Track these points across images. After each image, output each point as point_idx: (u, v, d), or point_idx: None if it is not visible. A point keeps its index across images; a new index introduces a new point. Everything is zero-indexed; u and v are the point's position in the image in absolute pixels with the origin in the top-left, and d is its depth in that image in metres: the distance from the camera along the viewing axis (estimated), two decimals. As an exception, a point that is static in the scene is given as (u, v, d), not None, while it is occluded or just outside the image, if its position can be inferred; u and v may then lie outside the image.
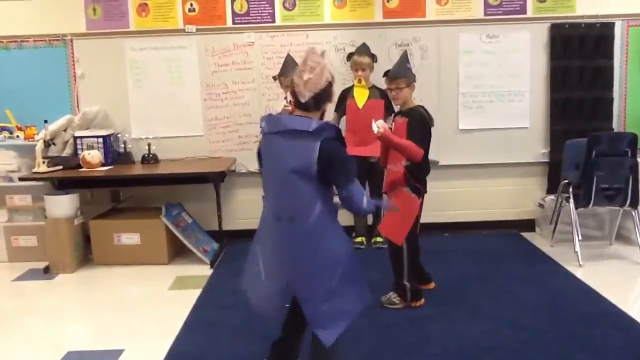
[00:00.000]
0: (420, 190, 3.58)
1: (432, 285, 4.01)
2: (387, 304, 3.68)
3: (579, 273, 4.22)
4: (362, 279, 2.57)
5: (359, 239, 5.02)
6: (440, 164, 5.26)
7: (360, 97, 4.75)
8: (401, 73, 3.57)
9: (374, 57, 4.84)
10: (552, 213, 4.90)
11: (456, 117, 5.24)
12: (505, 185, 5.38)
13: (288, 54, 4.71)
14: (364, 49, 4.81)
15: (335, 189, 2.42)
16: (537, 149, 5.29)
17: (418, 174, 3.56)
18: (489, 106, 5.24)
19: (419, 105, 3.66)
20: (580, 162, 4.47)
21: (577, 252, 4.40)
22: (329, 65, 2.47)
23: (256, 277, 2.54)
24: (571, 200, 4.52)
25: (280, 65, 4.73)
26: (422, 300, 3.69)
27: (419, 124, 3.51)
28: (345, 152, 2.41)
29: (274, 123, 2.43)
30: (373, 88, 4.84)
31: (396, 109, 3.97)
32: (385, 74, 3.68)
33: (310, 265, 2.40)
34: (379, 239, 5.03)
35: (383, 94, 4.81)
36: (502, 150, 5.27)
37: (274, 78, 4.75)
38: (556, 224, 4.82)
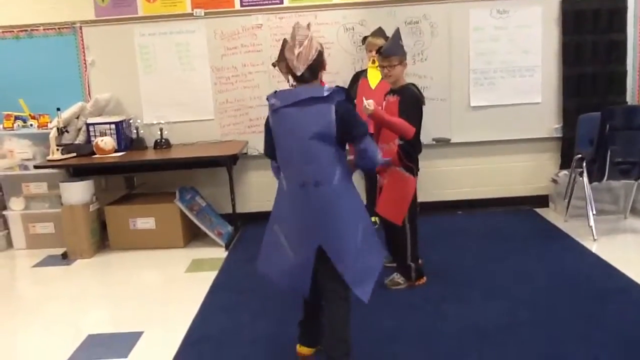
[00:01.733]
0: (413, 169, 3.56)
1: (420, 262, 4.00)
2: (392, 285, 3.68)
3: (594, 248, 4.21)
4: (377, 237, 2.72)
5: (372, 219, 5.02)
6: (452, 141, 5.25)
7: (374, 78, 4.72)
8: (394, 50, 3.51)
9: (387, 39, 4.79)
10: (565, 188, 4.88)
11: (467, 94, 5.20)
12: (518, 162, 5.35)
13: (284, 39, 4.68)
14: (379, 32, 4.78)
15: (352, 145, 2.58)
16: (549, 125, 5.25)
17: (412, 152, 3.54)
18: (500, 82, 5.19)
19: (410, 83, 3.62)
20: (594, 136, 4.43)
21: (591, 226, 4.38)
22: (315, 37, 2.60)
23: (279, 255, 2.62)
24: (585, 174, 4.49)
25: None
26: (424, 279, 3.71)
27: (411, 102, 3.48)
28: (356, 111, 2.57)
29: (286, 96, 2.52)
30: None
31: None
32: (378, 50, 3.64)
33: (339, 225, 2.52)
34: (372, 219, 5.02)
35: None
36: (514, 127, 5.23)
37: (274, 65, 4.72)
38: (570, 199, 4.80)
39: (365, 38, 4.85)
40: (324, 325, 2.62)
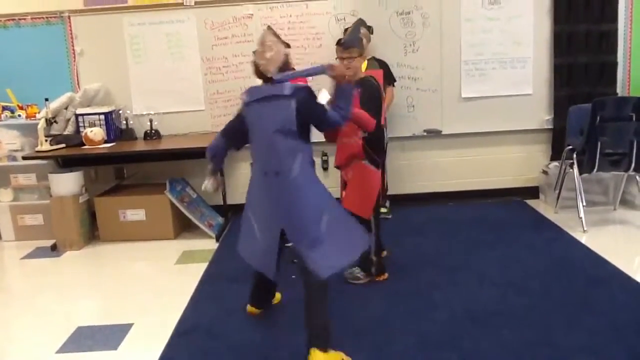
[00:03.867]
0: (378, 162, 3.54)
1: (384, 253, 3.99)
2: (351, 279, 3.65)
3: (584, 239, 4.23)
4: (357, 227, 2.95)
5: None
6: (443, 132, 5.25)
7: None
8: (355, 43, 3.49)
9: (370, 29, 4.77)
10: (556, 180, 4.90)
11: (459, 86, 5.19)
12: (509, 153, 5.36)
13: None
14: (359, 24, 4.72)
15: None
16: (540, 116, 5.26)
17: (376, 145, 3.52)
18: (491, 73, 5.19)
19: (369, 75, 3.60)
20: (584, 127, 4.44)
21: (581, 217, 4.40)
22: (279, 40, 2.89)
23: (251, 238, 2.90)
24: (575, 166, 4.51)
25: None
26: (386, 275, 3.68)
27: (371, 94, 3.44)
28: (315, 100, 2.83)
29: (255, 92, 2.82)
30: (372, 59, 4.79)
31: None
32: (338, 42, 3.60)
33: (297, 214, 2.75)
34: (382, 210, 5.03)
35: (382, 64, 4.78)
36: (505, 118, 5.23)
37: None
38: (560, 190, 4.82)
39: (346, 29, 4.81)
40: (304, 300, 2.78)
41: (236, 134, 2.97)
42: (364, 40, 4.59)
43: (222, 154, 3.08)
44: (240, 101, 2.92)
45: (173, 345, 2.98)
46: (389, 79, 4.84)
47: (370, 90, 3.46)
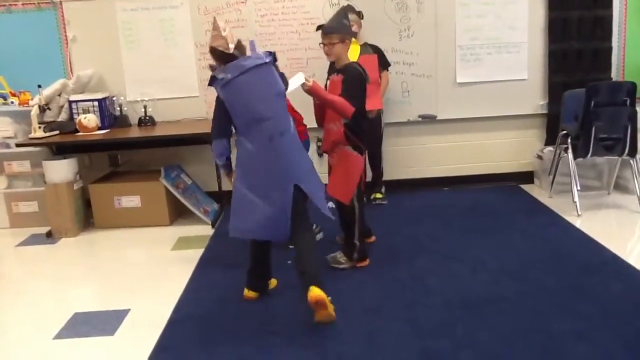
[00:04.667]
0: (362, 148, 3.53)
1: (373, 239, 4.02)
2: (333, 263, 3.64)
3: (578, 223, 4.26)
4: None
5: None
6: (438, 118, 5.25)
7: (353, 56, 4.67)
8: (335, 28, 3.44)
9: (359, 14, 4.74)
10: (550, 164, 4.91)
11: (454, 71, 5.18)
12: (503, 138, 5.37)
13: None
14: (349, 8, 4.67)
15: None
16: (535, 101, 5.26)
17: (358, 131, 3.49)
18: (486, 59, 5.18)
19: (354, 62, 3.58)
20: (578, 112, 4.45)
21: (575, 202, 4.43)
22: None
23: (252, 210, 3.00)
24: (569, 150, 4.52)
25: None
26: (367, 261, 3.68)
27: (354, 81, 3.40)
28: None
29: (235, 68, 2.94)
30: (365, 45, 4.77)
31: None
32: (319, 27, 3.57)
33: (306, 163, 3.13)
34: (378, 195, 5.05)
35: (376, 50, 4.76)
36: (500, 103, 5.23)
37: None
38: (555, 175, 4.84)
39: None
40: (298, 251, 3.04)
41: (228, 125, 3.05)
42: (355, 26, 4.59)
43: (229, 153, 3.14)
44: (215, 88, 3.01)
45: (170, 331, 2.99)
46: (384, 63, 4.83)
47: (352, 76, 3.41)
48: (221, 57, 2.98)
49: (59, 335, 3.03)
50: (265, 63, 2.98)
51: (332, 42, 3.42)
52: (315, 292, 2.77)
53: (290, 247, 3.25)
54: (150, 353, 2.77)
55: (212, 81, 3.00)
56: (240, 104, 2.95)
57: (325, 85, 3.72)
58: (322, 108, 3.56)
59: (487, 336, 2.74)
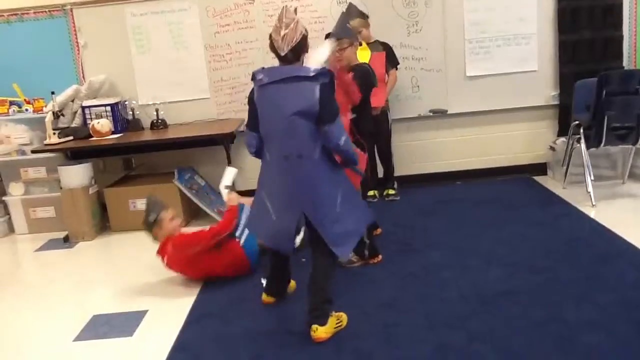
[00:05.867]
0: (364, 145, 3.54)
1: (379, 231, 4.02)
2: (347, 264, 3.62)
3: (593, 213, 4.23)
4: (361, 202, 3.11)
5: (371, 193, 5.03)
6: (449, 112, 5.24)
7: (364, 57, 4.67)
8: (343, 33, 3.51)
9: (363, 15, 4.74)
10: (563, 155, 4.89)
11: (463, 64, 5.17)
12: (516, 130, 5.35)
13: None
14: (353, 13, 4.67)
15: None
16: (546, 92, 5.23)
17: (365, 126, 3.53)
18: (496, 51, 5.16)
19: (364, 63, 3.64)
20: (590, 102, 4.42)
21: (589, 192, 4.40)
22: (301, 20, 2.80)
23: (265, 218, 2.90)
24: (582, 141, 4.50)
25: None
26: (380, 257, 3.69)
27: (363, 75, 3.50)
28: (333, 95, 2.75)
29: (274, 73, 2.76)
30: (375, 43, 4.77)
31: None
32: (327, 35, 3.61)
33: (320, 194, 2.79)
34: (390, 191, 5.05)
35: (385, 46, 4.76)
36: (511, 95, 5.21)
37: None
38: (568, 165, 4.81)
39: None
40: (312, 274, 2.89)
41: (257, 122, 2.89)
42: (364, 30, 4.61)
43: (261, 147, 2.92)
44: (252, 84, 2.86)
45: (187, 331, 3.03)
46: (392, 61, 4.82)
47: (361, 72, 3.51)
48: (273, 51, 2.77)
49: (79, 337, 3.08)
50: (308, 77, 2.67)
51: (343, 47, 3.49)
52: (318, 335, 2.75)
53: (303, 259, 3.25)
54: (169, 353, 2.81)
55: (253, 77, 2.85)
56: (268, 111, 2.77)
57: None
58: None
59: (503, 328, 2.75)
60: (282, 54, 2.71)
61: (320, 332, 2.75)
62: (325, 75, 2.69)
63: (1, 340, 3.15)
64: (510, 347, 2.59)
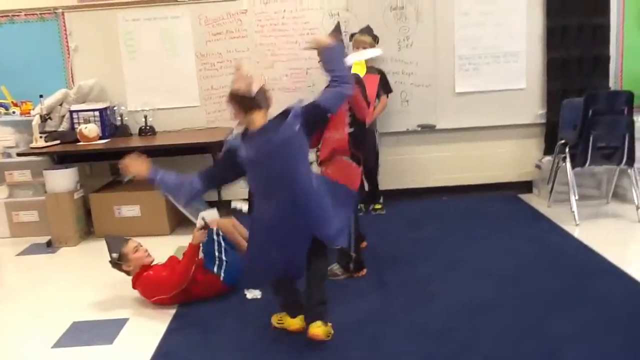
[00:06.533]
0: (359, 159, 3.56)
1: (365, 244, 4.00)
2: (331, 276, 3.57)
3: (576, 232, 4.26)
4: (341, 189, 3.08)
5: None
6: (437, 127, 5.27)
7: (360, 72, 4.69)
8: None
9: (375, 38, 4.79)
10: (549, 174, 4.92)
11: (452, 80, 5.21)
12: (502, 148, 5.38)
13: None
14: (366, 30, 4.76)
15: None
16: (534, 110, 5.28)
17: (360, 140, 3.55)
18: (485, 68, 5.21)
19: (354, 73, 3.62)
20: (577, 121, 4.46)
21: (573, 211, 4.43)
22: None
23: (267, 254, 2.85)
24: (568, 160, 4.54)
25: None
26: (364, 271, 3.68)
27: (362, 89, 3.51)
28: (311, 103, 2.82)
29: (262, 142, 2.71)
30: (371, 67, 4.79)
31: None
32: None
33: (324, 214, 2.83)
34: (377, 206, 5.06)
35: (380, 72, 4.79)
36: (499, 112, 5.25)
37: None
38: (553, 184, 4.84)
39: (352, 35, 4.81)
40: (309, 277, 2.92)
41: (224, 175, 2.93)
42: (368, 47, 4.65)
43: (198, 197, 2.93)
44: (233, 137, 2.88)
45: (169, 339, 3.00)
46: (385, 88, 4.87)
47: (359, 85, 3.50)
48: (242, 104, 2.74)
49: (58, 344, 3.05)
50: (286, 122, 2.70)
51: None
52: (315, 331, 2.79)
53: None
54: (151, 356, 2.79)
55: (229, 147, 2.82)
56: (255, 166, 2.75)
57: None
58: (320, 131, 3.61)
59: (488, 340, 2.78)
60: (254, 94, 2.71)
61: (321, 329, 2.79)
62: (293, 110, 2.75)
63: (-22, 345, 3.10)
64: (495, 358, 2.61)
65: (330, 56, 2.90)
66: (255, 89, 2.72)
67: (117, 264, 3.52)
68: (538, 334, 2.80)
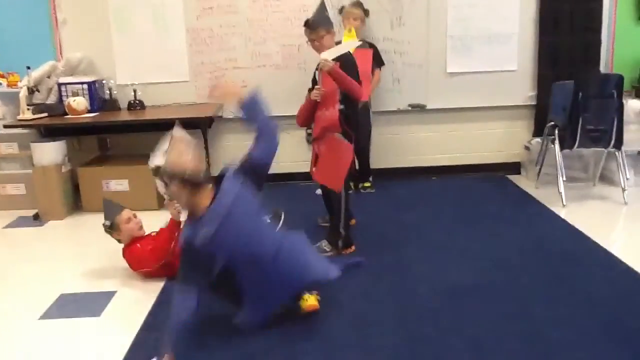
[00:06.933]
0: (351, 136, 3.56)
1: (353, 221, 4.00)
2: (319, 252, 3.58)
3: (563, 213, 4.30)
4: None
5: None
6: (428, 107, 5.27)
7: (351, 41, 4.67)
8: (320, 22, 3.53)
9: (366, 12, 4.77)
10: (537, 155, 4.95)
11: (444, 61, 5.20)
12: (492, 129, 5.40)
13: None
14: (357, 2, 4.77)
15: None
16: (524, 92, 5.29)
17: (352, 118, 3.55)
18: (477, 49, 5.19)
19: (348, 52, 3.62)
20: (567, 104, 4.48)
21: (561, 193, 4.47)
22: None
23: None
24: (556, 142, 4.56)
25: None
26: (353, 247, 3.71)
27: (352, 66, 3.51)
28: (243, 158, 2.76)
29: (214, 215, 2.55)
30: (363, 42, 4.78)
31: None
32: (306, 23, 3.60)
33: (301, 264, 2.78)
34: (367, 184, 5.08)
35: (372, 46, 4.79)
36: (489, 94, 5.26)
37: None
38: (541, 166, 4.88)
39: (342, 8, 4.79)
40: None
41: (200, 275, 2.60)
42: (358, 22, 4.65)
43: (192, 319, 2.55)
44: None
45: (156, 313, 3.00)
46: (378, 61, 4.89)
47: (351, 62, 3.51)
48: (187, 183, 2.51)
49: (45, 315, 3.04)
50: (234, 185, 2.62)
51: (320, 34, 3.51)
52: (310, 303, 2.80)
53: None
54: (137, 333, 2.79)
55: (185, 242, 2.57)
56: (232, 247, 2.59)
57: (314, 76, 3.72)
58: (311, 109, 3.61)
59: (472, 322, 2.79)
60: (202, 174, 2.55)
61: (313, 302, 2.80)
62: (228, 172, 2.70)
63: (-35, 316, 3.09)
64: (479, 340, 2.63)
65: (248, 108, 2.77)
66: (200, 165, 2.50)
67: (108, 230, 3.52)
68: (523, 316, 2.82)
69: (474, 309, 2.92)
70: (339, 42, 4.64)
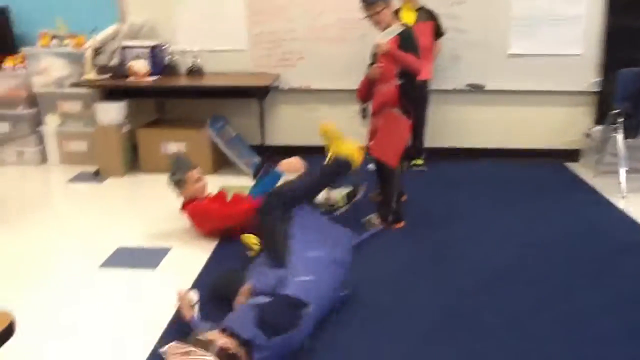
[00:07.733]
0: (410, 111, 3.54)
1: (404, 197, 3.99)
2: (369, 225, 3.65)
3: (621, 204, 4.18)
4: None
5: (419, 162, 5.09)
6: (486, 88, 5.17)
7: (408, 19, 4.62)
8: None
9: None
10: (598, 144, 4.81)
11: (506, 41, 5.07)
12: (551, 114, 5.26)
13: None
14: None
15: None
16: (588, 78, 5.12)
17: (410, 93, 3.53)
18: (541, 31, 5.03)
19: (403, 23, 3.59)
20: (633, 92, 4.33)
21: (621, 182, 4.34)
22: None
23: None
24: (620, 130, 4.42)
25: None
26: (403, 223, 3.71)
27: (412, 39, 3.48)
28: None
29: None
30: (422, 10, 4.71)
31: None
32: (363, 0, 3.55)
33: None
34: (418, 162, 5.04)
35: (432, 16, 4.70)
36: (551, 78, 5.11)
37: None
38: (602, 154, 4.74)
39: None
40: None
41: None
42: None
43: None
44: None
45: (209, 268, 3.10)
46: (437, 31, 4.78)
47: (409, 35, 3.49)
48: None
49: (105, 264, 3.18)
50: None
51: (377, 10, 3.48)
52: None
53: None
54: (191, 286, 2.88)
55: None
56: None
57: (373, 50, 3.70)
58: (370, 84, 3.60)
59: (511, 302, 2.78)
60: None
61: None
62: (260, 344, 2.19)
63: (30, 263, 3.25)
64: (517, 319, 2.62)
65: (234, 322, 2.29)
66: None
67: (175, 183, 3.59)
68: (564, 301, 2.78)
69: (514, 290, 2.90)
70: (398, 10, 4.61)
